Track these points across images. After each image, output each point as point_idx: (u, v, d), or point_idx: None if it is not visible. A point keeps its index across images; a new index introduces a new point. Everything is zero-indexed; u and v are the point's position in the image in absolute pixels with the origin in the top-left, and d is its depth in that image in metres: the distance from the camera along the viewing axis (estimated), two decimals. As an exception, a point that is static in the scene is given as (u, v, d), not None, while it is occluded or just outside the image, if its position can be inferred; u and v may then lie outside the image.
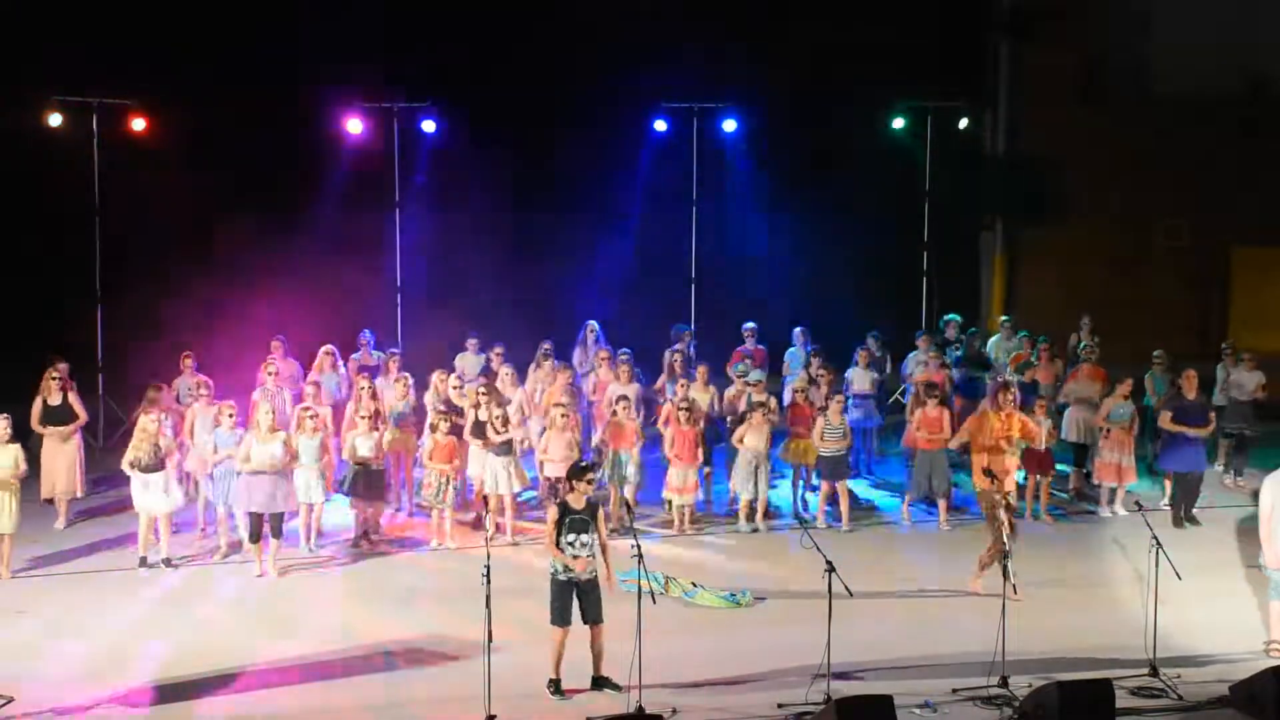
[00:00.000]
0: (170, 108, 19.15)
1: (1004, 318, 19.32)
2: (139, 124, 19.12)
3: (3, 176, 18.44)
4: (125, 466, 13.41)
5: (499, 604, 9.75)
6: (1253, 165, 22.04)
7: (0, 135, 18.37)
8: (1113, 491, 15.56)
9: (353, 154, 20.22)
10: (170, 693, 10.32)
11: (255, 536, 13.21)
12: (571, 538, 10.22)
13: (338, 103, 19.70)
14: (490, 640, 9.60)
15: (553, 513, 10.37)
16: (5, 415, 13.11)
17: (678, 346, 17.22)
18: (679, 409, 14.73)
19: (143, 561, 13.45)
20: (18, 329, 19.24)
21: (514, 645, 10.72)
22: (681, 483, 14.77)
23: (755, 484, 14.81)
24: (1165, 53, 22.79)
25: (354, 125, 19.84)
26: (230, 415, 13.71)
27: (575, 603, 10.27)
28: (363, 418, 14.22)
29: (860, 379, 16.94)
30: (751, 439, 14.78)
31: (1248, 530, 13.91)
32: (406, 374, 15.75)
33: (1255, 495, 12.47)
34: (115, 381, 18.63)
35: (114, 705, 10.08)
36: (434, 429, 14.27)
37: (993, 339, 18.74)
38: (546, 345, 16.81)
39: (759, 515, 14.93)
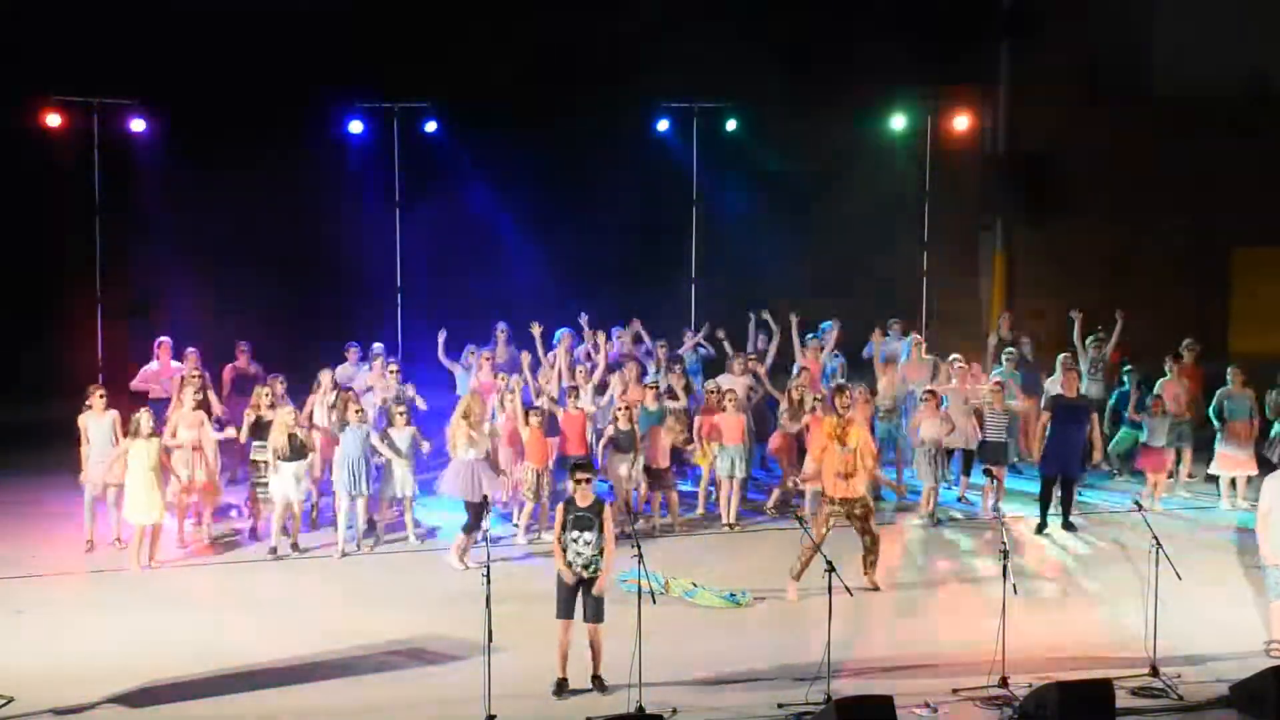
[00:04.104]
0: (170, 108, 19.17)
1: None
2: (139, 124, 19.13)
3: (3, 176, 18.44)
4: (269, 456, 13.77)
5: (499, 604, 9.75)
6: (1253, 165, 21.99)
7: (0, 135, 18.38)
8: (1233, 483, 15.96)
9: (353, 154, 20.24)
10: (170, 693, 10.32)
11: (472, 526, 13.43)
12: (575, 535, 10.22)
13: (338, 103, 19.71)
14: (490, 640, 9.61)
15: (560, 509, 10.35)
16: (148, 408, 13.67)
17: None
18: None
19: (273, 551, 13.81)
20: (17, 328, 19.25)
21: (514, 645, 10.72)
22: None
23: (934, 474, 15.16)
24: (1165, 53, 22.75)
25: (354, 125, 19.87)
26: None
27: (580, 599, 10.28)
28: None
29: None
30: (926, 429, 15.10)
31: (1246, 531, 13.92)
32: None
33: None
34: (116, 381, 18.60)
35: (114, 705, 10.08)
36: (525, 423, 14.31)
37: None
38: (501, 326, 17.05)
39: (930, 505, 15.28)
